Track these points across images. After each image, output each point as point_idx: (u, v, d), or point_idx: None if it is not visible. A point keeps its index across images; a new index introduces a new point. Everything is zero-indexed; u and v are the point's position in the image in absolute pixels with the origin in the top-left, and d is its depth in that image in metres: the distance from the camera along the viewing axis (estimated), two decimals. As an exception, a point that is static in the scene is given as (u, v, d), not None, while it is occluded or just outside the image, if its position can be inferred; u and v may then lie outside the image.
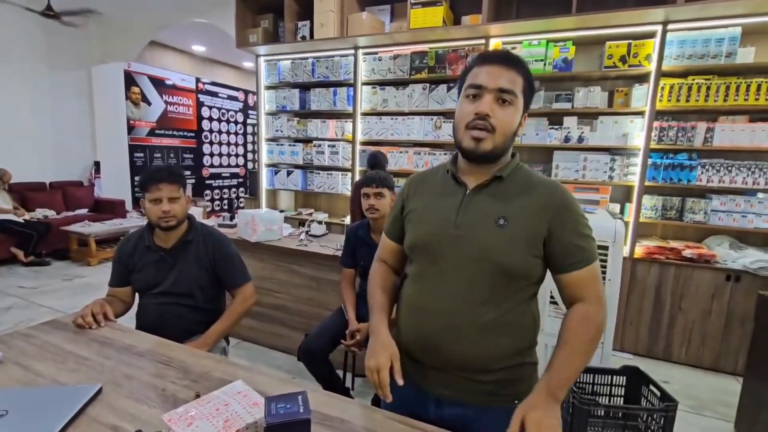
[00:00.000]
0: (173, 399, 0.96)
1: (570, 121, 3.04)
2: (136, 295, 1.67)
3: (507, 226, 0.87)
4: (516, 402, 0.86)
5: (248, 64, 7.87)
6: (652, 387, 1.96)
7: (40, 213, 4.91)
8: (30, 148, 5.32)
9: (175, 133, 6.93)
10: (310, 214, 4.12)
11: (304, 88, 3.99)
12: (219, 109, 7.65)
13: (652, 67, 2.74)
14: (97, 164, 5.99)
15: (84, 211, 5.46)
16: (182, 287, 1.60)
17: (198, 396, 0.96)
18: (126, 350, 1.19)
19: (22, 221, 4.55)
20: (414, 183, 1.07)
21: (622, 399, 2.12)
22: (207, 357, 1.17)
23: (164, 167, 1.58)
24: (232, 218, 3.22)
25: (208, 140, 7.53)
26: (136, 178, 6.13)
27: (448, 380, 0.93)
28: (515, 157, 0.97)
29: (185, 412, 0.67)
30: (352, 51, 3.59)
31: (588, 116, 3.06)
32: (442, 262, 0.92)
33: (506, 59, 0.89)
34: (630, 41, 2.79)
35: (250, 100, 8.22)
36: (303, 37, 3.59)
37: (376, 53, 3.57)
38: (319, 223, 2.99)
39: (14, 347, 1.18)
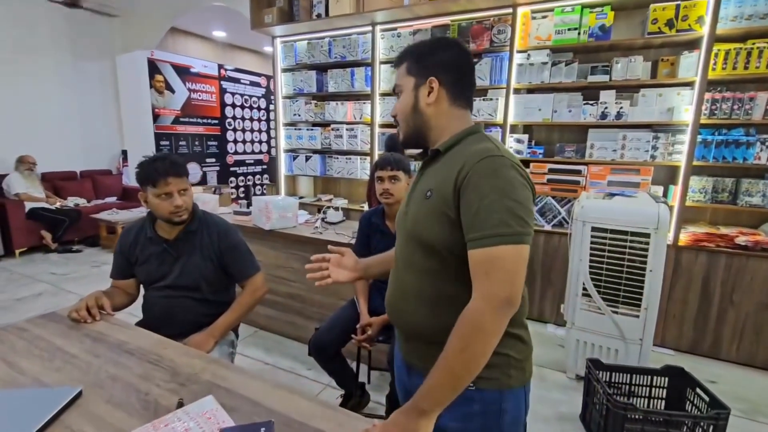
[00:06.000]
0: (154, 406, 0.87)
1: (607, 96, 2.76)
2: (141, 286, 1.62)
3: (431, 198, 0.84)
4: (471, 386, 0.81)
5: (269, 49, 7.78)
6: (699, 390, 1.76)
7: (71, 201, 5.05)
8: (58, 137, 5.47)
9: (199, 120, 6.94)
10: (330, 200, 4.02)
11: (321, 69, 3.85)
12: (242, 95, 7.60)
13: (704, 31, 2.42)
14: (124, 153, 6.11)
15: (113, 199, 5.60)
16: (188, 280, 1.53)
17: (181, 404, 0.87)
18: (117, 347, 1.12)
19: (55, 209, 4.69)
20: None
21: (663, 402, 1.93)
22: (199, 356, 1.08)
23: (165, 158, 1.45)
24: (248, 205, 3.16)
25: (231, 127, 7.52)
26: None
27: (409, 348, 0.95)
28: (469, 129, 0.90)
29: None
30: (370, 27, 3.41)
31: (628, 89, 2.77)
32: (398, 237, 0.97)
33: (394, 64, 0.97)
34: (678, 2, 2.47)
35: (273, 86, 8.15)
36: (318, 15, 3.44)
37: (395, 29, 3.37)
38: (336, 209, 2.87)
39: (5, 342, 1.13)
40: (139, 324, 1.60)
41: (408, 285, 0.90)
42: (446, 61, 0.88)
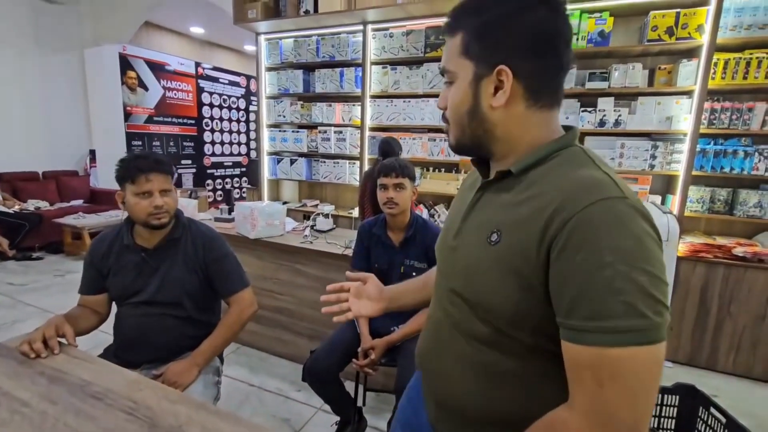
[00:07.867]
0: (128, 475, 0.69)
1: (605, 103, 2.71)
2: (113, 304, 1.42)
3: (499, 245, 0.58)
4: None
5: (250, 48, 7.54)
6: (714, 411, 1.68)
7: (32, 204, 4.67)
8: (19, 134, 5.06)
9: (174, 120, 6.63)
10: (316, 205, 3.84)
11: (308, 69, 3.67)
12: (220, 95, 7.32)
13: (703, 39, 2.39)
14: (92, 153, 5.74)
15: (79, 202, 5.22)
16: (169, 295, 1.35)
17: (162, 470, 0.69)
18: (80, 390, 0.92)
19: (13, 212, 4.31)
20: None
21: (674, 421, 1.85)
22: (182, 401, 0.90)
23: (148, 154, 1.32)
24: (230, 211, 2.94)
25: (209, 128, 7.23)
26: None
27: (440, 416, 0.74)
28: (559, 142, 0.61)
29: None
30: (361, 27, 3.26)
31: (626, 97, 2.73)
32: (438, 274, 0.76)
33: (444, 29, 0.66)
34: (678, 10, 2.44)
35: (252, 86, 7.89)
36: (306, 12, 3.27)
37: (387, 29, 3.24)
38: (326, 216, 2.71)
39: (-62, 385, 0.92)
40: (109, 348, 1.41)
41: (449, 342, 0.69)
42: (526, 36, 0.57)
